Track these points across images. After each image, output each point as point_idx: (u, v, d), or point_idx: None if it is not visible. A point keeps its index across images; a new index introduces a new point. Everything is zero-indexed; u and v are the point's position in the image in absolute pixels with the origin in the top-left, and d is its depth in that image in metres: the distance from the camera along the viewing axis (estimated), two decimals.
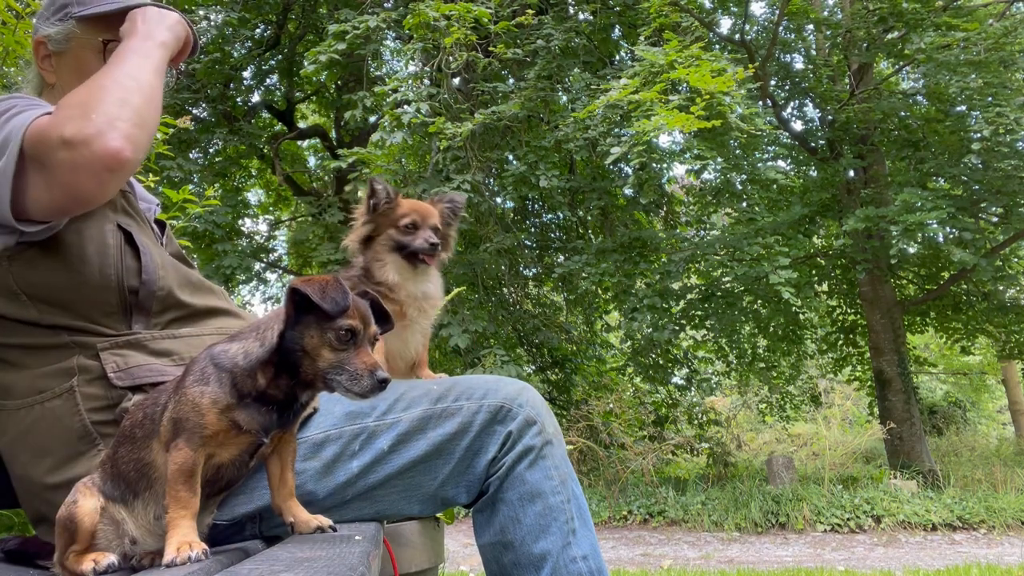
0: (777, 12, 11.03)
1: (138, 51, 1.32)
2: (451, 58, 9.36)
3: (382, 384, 1.03)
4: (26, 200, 1.16)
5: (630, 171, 10.59)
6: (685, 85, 8.31)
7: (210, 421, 1.03)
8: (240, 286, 13.41)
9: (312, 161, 16.88)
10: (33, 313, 1.25)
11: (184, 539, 0.99)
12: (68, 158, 1.13)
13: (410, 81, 10.03)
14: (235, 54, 12.71)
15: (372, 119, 11.35)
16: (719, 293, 11.09)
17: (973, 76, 9.09)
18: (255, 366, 1.05)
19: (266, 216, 16.78)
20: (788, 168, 12.33)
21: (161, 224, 1.56)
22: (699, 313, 11.38)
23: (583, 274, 9.74)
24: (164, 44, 1.37)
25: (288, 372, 1.05)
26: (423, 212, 1.70)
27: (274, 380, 1.05)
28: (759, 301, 11.37)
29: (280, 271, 14.77)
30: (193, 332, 1.37)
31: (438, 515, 2.04)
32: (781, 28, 11.21)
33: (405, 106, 8.93)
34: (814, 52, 12.39)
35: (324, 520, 1.17)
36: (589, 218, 12.02)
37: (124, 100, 1.19)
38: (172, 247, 1.50)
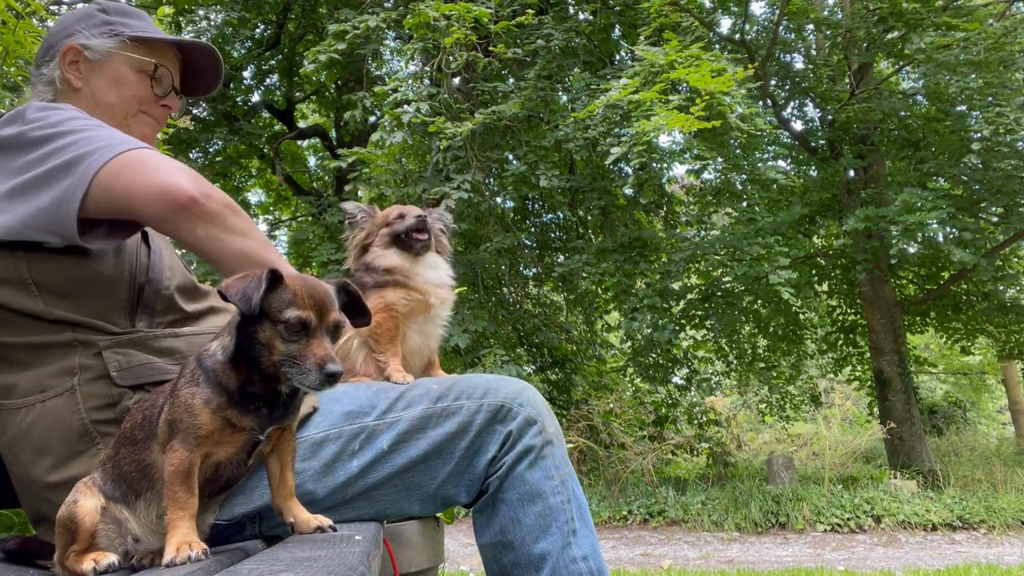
0: (777, 12, 11.02)
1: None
2: (451, 58, 9.35)
3: (331, 379, 1.00)
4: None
5: (630, 171, 10.59)
6: (685, 85, 8.29)
7: (204, 421, 1.03)
8: None
9: (312, 161, 16.89)
10: (39, 306, 1.25)
11: (184, 539, 0.99)
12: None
13: (410, 81, 10.02)
14: (235, 54, 12.70)
15: (372, 119, 11.34)
16: (719, 293, 11.07)
17: (973, 76, 9.08)
18: (230, 361, 1.05)
19: (266, 216, 16.79)
20: (788, 168, 12.31)
21: None
22: (699, 313, 11.37)
23: (583, 274, 9.73)
24: None
25: (257, 366, 1.05)
26: (407, 207, 1.81)
27: (248, 375, 1.05)
28: (759, 301, 11.35)
29: None
30: (195, 331, 1.37)
31: (438, 515, 2.04)
32: (781, 28, 11.20)
33: (405, 106, 8.92)
34: (814, 52, 12.37)
35: (324, 520, 1.16)
36: (589, 218, 12.00)
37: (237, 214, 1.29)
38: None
